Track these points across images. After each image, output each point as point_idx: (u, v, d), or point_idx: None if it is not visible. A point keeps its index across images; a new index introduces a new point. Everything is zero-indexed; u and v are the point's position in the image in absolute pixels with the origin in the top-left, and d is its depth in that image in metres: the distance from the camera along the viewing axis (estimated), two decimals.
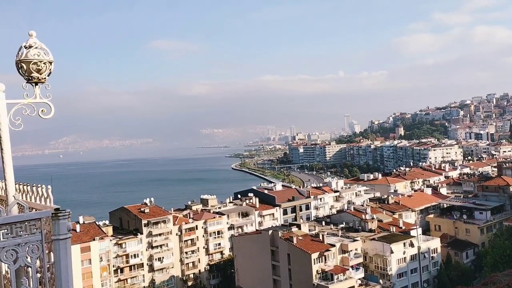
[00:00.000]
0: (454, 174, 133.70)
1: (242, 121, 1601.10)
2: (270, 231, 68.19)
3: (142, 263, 77.90)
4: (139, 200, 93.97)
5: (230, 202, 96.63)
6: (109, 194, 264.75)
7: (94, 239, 72.24)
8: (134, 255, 77.08)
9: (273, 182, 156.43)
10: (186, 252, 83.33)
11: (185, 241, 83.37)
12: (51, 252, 6.33)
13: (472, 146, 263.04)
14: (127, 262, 76.33)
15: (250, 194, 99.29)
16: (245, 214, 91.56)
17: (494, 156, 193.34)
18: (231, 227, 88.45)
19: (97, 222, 78.36)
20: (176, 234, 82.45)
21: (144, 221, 78.60)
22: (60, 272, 6.21)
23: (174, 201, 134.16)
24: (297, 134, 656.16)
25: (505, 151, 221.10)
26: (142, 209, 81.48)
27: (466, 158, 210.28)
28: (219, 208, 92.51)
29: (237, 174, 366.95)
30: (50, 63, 7.43)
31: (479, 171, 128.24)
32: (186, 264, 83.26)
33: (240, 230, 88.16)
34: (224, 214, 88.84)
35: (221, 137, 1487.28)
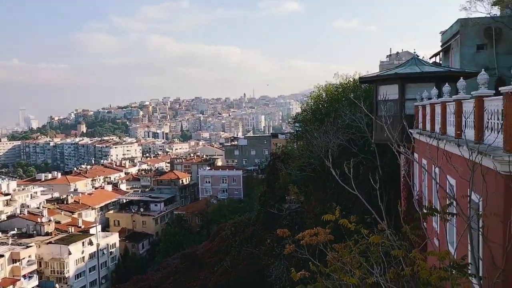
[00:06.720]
0: (134, 170, 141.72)
1: None
2: None
3: None
4: None
5: None
6: None
7: None
8: None
9: None
10: None
11: None
12: None
13: (150, 144, 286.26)
14: None
15: None
16: None
17: (168, 153, 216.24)
18: None
19: None
20: None
21: None
22: None
23: None
24: None
25: (177, 149, 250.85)
26: None
27: (144, 155, 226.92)
28: None
29: None
30: None
31: (155, 167, 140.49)
32: None
33: None
34: None
35: None
